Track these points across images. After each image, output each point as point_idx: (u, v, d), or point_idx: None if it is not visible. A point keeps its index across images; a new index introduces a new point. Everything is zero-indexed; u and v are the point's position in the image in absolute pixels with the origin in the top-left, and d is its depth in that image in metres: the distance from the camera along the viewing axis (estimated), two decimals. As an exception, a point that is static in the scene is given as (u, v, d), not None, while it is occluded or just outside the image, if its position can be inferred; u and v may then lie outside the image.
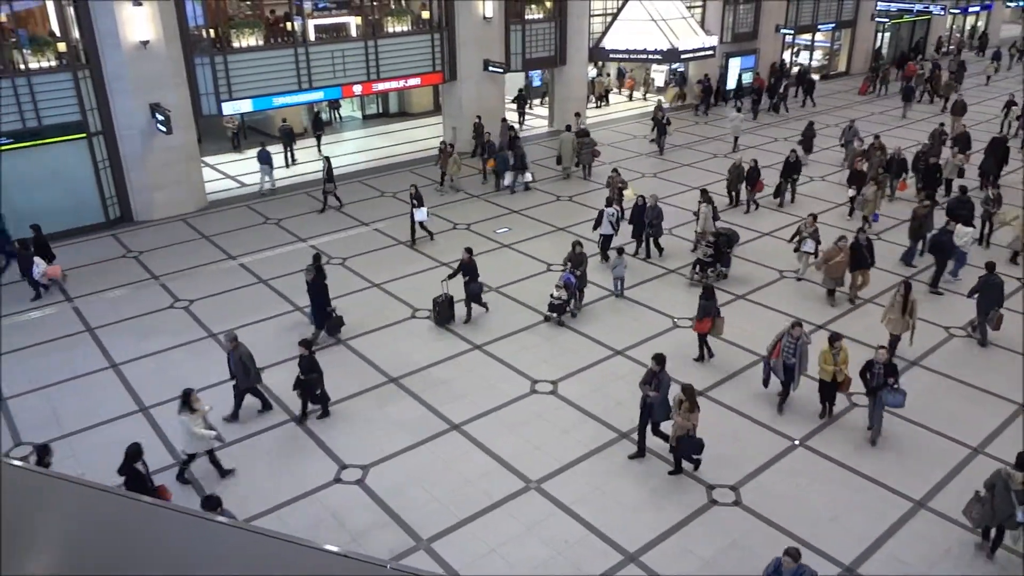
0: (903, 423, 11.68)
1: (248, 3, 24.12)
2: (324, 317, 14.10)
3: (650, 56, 29.07)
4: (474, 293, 14.85)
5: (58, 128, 18.73)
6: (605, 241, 17.50)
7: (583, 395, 12.59)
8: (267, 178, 22.30)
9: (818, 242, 16.13)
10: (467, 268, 14.82)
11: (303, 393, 11.89)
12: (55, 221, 18.90)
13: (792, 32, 36.13)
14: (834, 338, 11.63)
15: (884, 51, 42.43)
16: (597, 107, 32.56)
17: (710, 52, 30.14)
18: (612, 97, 34.33)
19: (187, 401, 10.43)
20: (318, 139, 26.65)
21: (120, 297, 16.30)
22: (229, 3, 22.78)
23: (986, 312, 13.74)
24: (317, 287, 13.94)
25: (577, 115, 26.03)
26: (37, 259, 16.14)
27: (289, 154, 25.32)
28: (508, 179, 22.37)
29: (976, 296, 13.89)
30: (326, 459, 11.10)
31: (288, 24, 22.55)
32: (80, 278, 17.11)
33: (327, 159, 21.05)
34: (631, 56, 29.57)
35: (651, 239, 17.74)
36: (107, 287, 16.71)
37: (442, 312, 14.65)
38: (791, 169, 20.91)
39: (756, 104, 30.74)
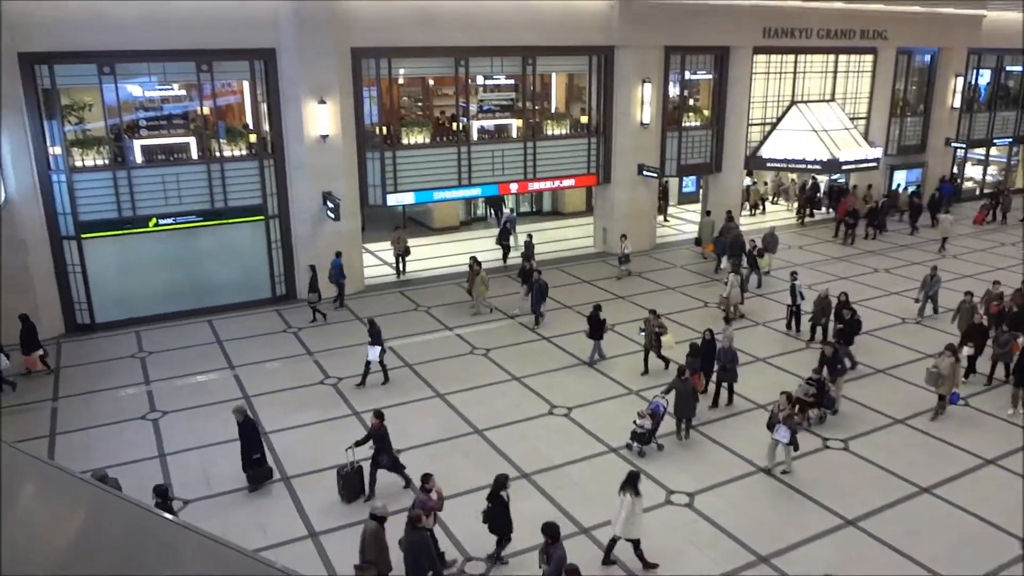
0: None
1: (420, 104, 25.86)
2: (249, 464, 12.50)
3: (809, 166, 28.52)
4: (383, 466, 12.27)
5: (241, 210, 20.50)
6: (795, 313, 18.52)
7: (721, 511, 11.96)
8: (513, 238, 25.44)
9: (794, 431, 12.81)
10: (376, 436, 12.21)
11: None
12: (228, 294, 20.53)
13: (964, 147, 34.51)
14: None
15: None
16: (751, 215, 32.06)
17: (873, 164, 29.22)
18: (768, 205, 33.81)
19: (635, 483, 10.51)
20: (505, 251, 25.16)
21: (277, 369, 17.26)
22: (402, 104, 24.48)
23: None
24: (247, 429, 12.45)
25: (623, 237, 24.22)
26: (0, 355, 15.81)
27: (494, 211, 29.31)
28: (725, 263, 23.27)
29: None
30: (451, 549, 11.04)
31: (454, 124, 23.94)
32: (243, 349, 18.30)
33: (312, 267, 20.02)
34: (789, 165, 29.14)
35: (723, 384, 15.40)
36: (266, 359, 17.76)
37: (347, 485, 12.15)
38: (849, 332, 17.12)
39: (851, 228, 27.95)
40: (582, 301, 21.40)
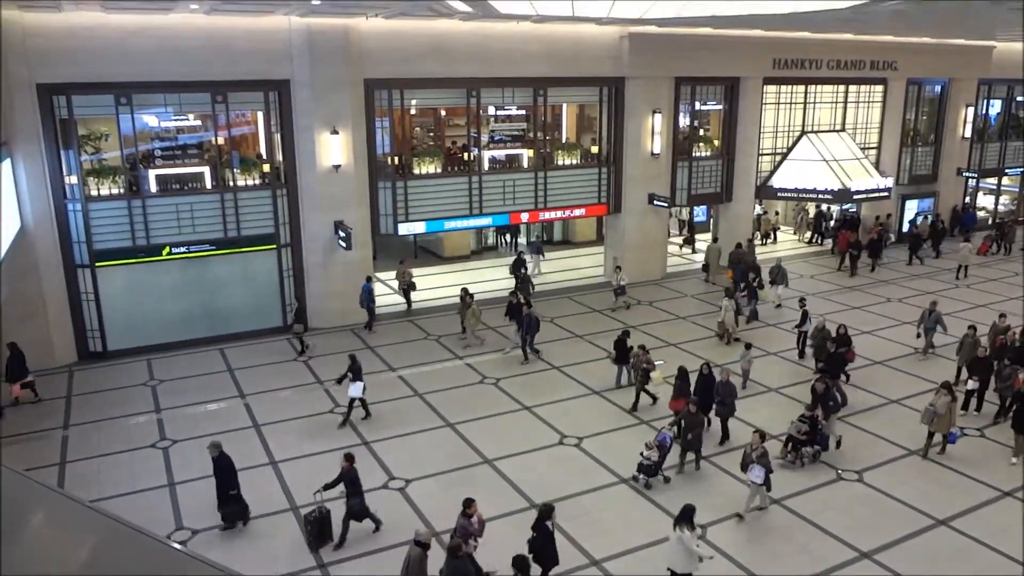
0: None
1: (432, 134, 26.02)
2: (227, 501, 12.08)
3: (820, 196, 28.52)
4: (355, 511, 11.76)
5: (253, 239, 20.64)
6: (803, 338, 19.08)
7: (734, 543, 11.81)
8: (537, 266, 26.20)
9: (769, 470, 12.33)
10: (347, 479, 11.74)
11: None
12: (240, 322, 20.56)
13: (975, 176, 34.47)
14: None
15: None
16: (763, 244, 32.01)
17: (885, 194, 29.20)
18: (779, 235, 33.79)
19: (690, 517, 10.44)
20: (519, 280, 24.29)
21: (287, 398, 17.24)
22: (414, 134, 24.69)
23: None
24: (223, 465, 12.07)
25: (617, 269, 23.86)
26: None
27: (510, 238, 30.27)
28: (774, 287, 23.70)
29: None
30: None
31: (465, 154, 24.11)
32: (254, 377, 18.31)
33: (297, 298, 20.09)
34: (800, 195, 29.17)
35: (721, 419, 15.11)
36: (277, 387, 17.75)
37: (315, 532, 11.60)
38: (834, 366, 16.94)
39: (855, 260, 27.65)
40: (592, 330, 21.41)
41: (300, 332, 19.98)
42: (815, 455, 14.23)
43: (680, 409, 14.54)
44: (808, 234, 33.32)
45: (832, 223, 32.37)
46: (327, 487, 11.80)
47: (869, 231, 29.40)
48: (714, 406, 15.09)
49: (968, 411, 16.29)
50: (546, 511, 10.56)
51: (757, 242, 31.19)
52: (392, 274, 25.80)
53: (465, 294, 20.55)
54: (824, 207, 32.58)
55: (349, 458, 11.87)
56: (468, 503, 10.60)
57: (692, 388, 15.29)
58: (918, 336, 19.75)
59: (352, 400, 15.84)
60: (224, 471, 12.03)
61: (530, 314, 19.27)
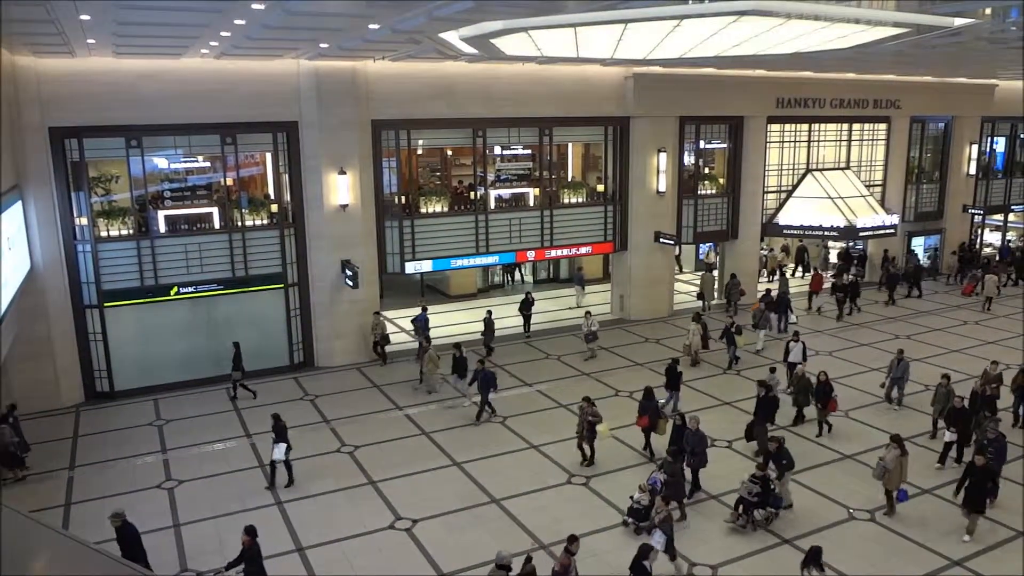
0: None
1: (438, 174, 26.20)
2: None
3: (826, 233, 28.60)
4: None
5: (261, 278, 20.76)
6: (790, 368, 19.03)
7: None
8: (580, 297, 27.50)
9: (670, 537, 11.63)
10: (247, 556, 10.85)
11: None
12: (247, 361, 20.50)
13: (981, 212, 34.54)
14: None
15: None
16: (769, 282, 31.95)
17: (891, 231, 29.24)
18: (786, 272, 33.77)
19: (818, 559, 10.60)
20: (527, 320, 24.68)
21: (292, 437, 17.10)
22: (421, 174, 24.89)
23: None
24: (128, 536, 11.08)
25: (587, 314, 23.04)
26: None
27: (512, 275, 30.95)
28: (773, 320, 24.31)
29: None
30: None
31: (472, 193, 24.29)
32: (260, 416, 18.18)
33: (236, 344, 19.28)
34: (806, 232, 29.24)
35: (692, 470, 14.33)
36: (283, 427, 17.68)
37: None
38: (765, 410, 16.12)
39: (841, 304, 26.68)
40: (598, 369, 21.33)
41: (238, 379, 19.35)
42: (767, 518, 13.28)
43: (644, 426, 15.33)
44: (795, 267, 33.33)
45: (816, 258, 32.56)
46: (230, 566, 11.06)
47: (819, 273, 29.40)
48: (686, 457, 14.22)
49: (945, 465, 15.42)
50: (644, 551, 10.50)
51: (763, 280, 31.11)
52: (399, 312, 25.93)
53: (422, 341, 20.04)
54: (804, 243, 32.83)
55: (250, 532, 10.99)
56: (572, 540, 10.71)
57: (670, 438, 14.74)
58: (882, 386, 18.82)
59: (274, 463, 14.74)
60: (129, 542, 11.06)
61: (482, 370, 18.08)
